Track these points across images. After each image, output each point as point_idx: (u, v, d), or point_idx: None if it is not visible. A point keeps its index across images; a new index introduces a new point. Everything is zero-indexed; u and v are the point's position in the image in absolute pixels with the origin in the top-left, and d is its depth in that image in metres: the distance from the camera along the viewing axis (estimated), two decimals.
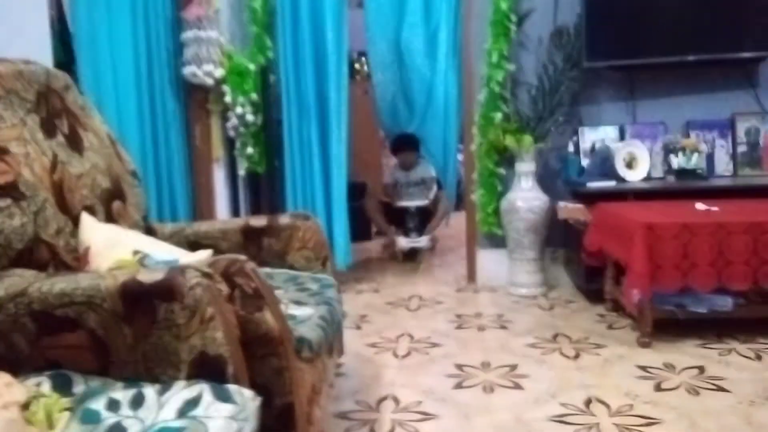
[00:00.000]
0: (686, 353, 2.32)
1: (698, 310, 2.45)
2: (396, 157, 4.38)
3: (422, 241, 4.17)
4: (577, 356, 2.34)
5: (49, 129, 1.50)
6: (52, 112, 1.55)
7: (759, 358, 2.26)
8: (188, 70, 2.89)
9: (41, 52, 1.94)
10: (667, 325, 2.46)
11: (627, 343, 2.45)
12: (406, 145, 4.23)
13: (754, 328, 2.47)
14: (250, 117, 3.13)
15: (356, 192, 4.06)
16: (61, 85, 1.63)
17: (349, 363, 2.27)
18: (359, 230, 4.16)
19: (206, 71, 2.91)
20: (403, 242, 4.17)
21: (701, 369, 2.17)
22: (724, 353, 2.31)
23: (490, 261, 3.44)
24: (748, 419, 1.80)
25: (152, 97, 2.72)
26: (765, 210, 2.47)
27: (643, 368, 2.19)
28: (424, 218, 4.26)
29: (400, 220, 4.26)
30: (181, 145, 2.92)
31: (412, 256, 4.20)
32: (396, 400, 1.98)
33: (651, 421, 1.80)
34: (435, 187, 4.30)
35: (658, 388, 2.03)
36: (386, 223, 4.29)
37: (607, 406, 1.91)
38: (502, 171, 3.33)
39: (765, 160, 3.24)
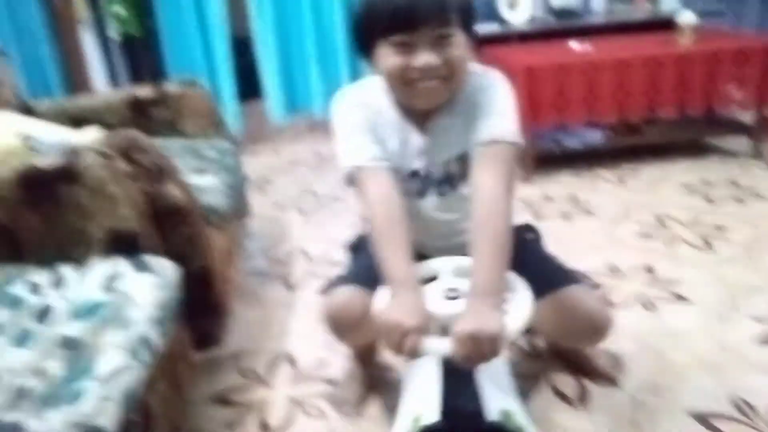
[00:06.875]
0: (562, 184, 2.59)
1: (572, 145, 2.71)
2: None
3: None
4: None
5: None
6: None
7: (621, 181, 2.57)
8: None
9: None
10: (547, 161, 2.70)
11: None
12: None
13: (620, 156, 2.77)
14: None
15: (241, 48, 3.86)
16: None
17: (256, 224, 2.34)
18: (249, 88, 4.01)
19: None
20: None
21: (574, 197, 2.45)
22: (594, 181, 2.60)
23: None
24: (610, 237, 2.10)
25: None
26: (631, 47, 2.66)
27: (525, 201, 2.44)
28: None
29: None
30: (38, 8, 2.61)
31: None
32: (305, 253, 2.11)
33: None
34: None
35: (537, 216, 2.29)
36: None
37: None
38: None
39: None
